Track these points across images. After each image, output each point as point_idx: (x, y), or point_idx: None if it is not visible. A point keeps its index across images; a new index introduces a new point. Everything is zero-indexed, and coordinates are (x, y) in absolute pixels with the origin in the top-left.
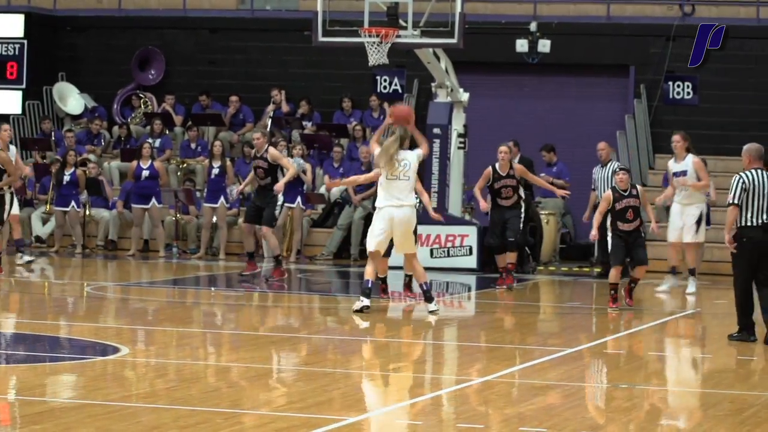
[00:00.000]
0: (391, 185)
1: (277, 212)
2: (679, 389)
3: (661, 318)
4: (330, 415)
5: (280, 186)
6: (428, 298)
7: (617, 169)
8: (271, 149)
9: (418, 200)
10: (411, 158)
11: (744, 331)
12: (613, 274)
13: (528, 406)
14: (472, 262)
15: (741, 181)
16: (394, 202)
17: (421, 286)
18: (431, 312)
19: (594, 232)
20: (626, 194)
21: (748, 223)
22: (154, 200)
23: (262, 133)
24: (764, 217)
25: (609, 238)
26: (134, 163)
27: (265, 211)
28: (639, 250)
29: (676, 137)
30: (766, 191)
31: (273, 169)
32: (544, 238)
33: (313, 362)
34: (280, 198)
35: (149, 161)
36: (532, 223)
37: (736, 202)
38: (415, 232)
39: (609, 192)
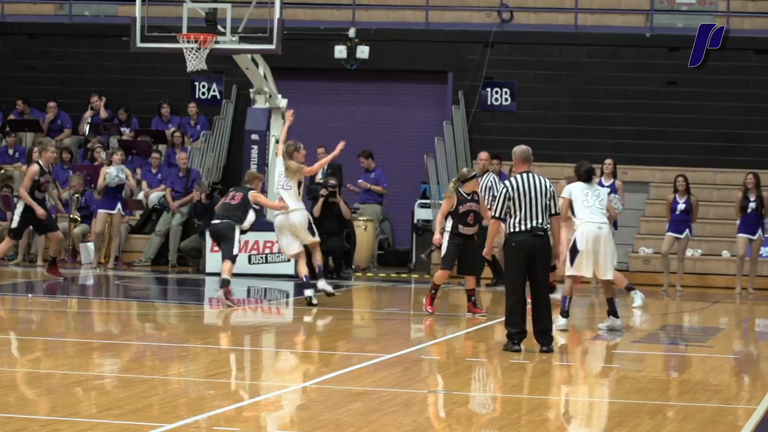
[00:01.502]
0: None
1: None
2: (496, 395)
3: (478, 324)
4: (148, 422)
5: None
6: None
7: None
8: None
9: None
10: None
11: (513, 340)
12: (441, 275)
13: (345, 412)
14: (289, 268)
15: (505, 191)
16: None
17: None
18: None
19: (437, 236)
20: (469, 198)
21: (517, 229)
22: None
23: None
24: (532, 222)
25: (445, 241)
26: None
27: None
28: (470, 259)
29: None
30: (533, 195)
31: None
32: (361, 244)
33: (132, 369)
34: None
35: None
36: (346, 229)
37: (497, 215)
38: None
39: (454, 195)
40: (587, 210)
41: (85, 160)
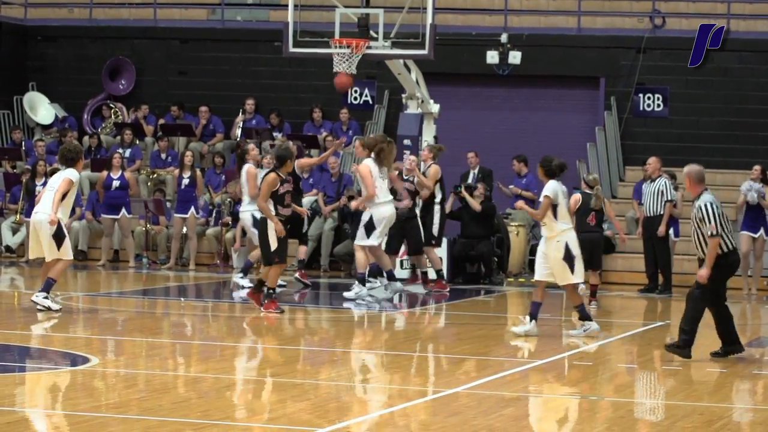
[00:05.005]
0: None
1: None
2: (649, 401)
3: (631, 330)
4: (299, 426)
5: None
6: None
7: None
8: None
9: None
10: None
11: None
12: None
13: (497, 417)
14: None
15: (719, 211)
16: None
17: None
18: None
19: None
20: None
21: (729, 248)
22: (124, 210)
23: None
24: (732, 240)
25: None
26: (104, 173)
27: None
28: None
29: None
30: (726, 215)
31: None
32: (513, 250)
33: (282, 373)
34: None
35: (119, 171)
36: (498, 234)
37: (718, 233)
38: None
39: (579, 194)
40: (566, 213)
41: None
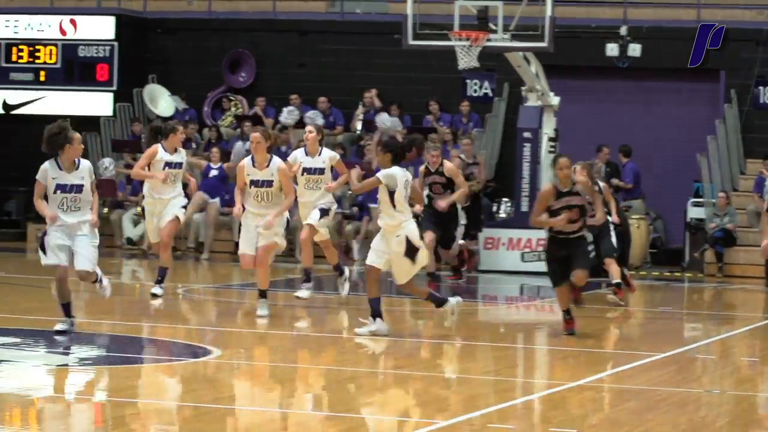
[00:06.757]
0: None
1: None
2: None
3: (754, 323)
4: (422, 419)
5: None
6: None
7: None
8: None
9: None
10: None
11: None
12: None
13: (619, 411)
14: None
15: None
16: None
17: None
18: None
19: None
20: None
21: None
22: (217, 200)
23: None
24: None
25: None
26: (203, 162)
27: None
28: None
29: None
30: None
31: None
32: (634, 243)
33: (405, 366)
34: None
35: (219, 163)
36: (619, 227)
37: None
38: None
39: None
40: (405, 203)
41: (357, 156)
